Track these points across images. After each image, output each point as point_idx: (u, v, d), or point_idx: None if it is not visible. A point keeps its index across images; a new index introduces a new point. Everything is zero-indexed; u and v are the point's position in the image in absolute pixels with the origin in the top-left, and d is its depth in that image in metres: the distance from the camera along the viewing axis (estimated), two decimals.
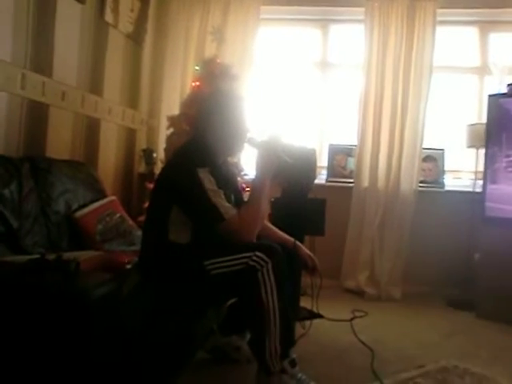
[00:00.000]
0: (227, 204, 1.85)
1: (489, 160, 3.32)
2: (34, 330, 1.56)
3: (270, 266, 1.74)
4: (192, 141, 2.07)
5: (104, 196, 2.81)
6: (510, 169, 3.22)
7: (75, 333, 1.54)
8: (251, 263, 1.75)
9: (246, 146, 2.04)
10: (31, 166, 2.33)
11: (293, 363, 1.81)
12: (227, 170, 2.16)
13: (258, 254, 1.76)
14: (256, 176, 1.91)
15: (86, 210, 2.55)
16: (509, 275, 3.08)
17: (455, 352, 2.48)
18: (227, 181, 2.05)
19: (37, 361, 1.56)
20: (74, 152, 3.02)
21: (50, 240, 2.27)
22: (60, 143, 2.89)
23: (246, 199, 2.14)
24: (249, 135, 2.02)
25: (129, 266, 2.15)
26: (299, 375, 1.82)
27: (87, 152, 3.18)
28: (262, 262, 1.75)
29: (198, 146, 1.99)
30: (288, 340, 1.82)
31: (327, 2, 3.99)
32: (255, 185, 1.91)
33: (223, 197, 1.85)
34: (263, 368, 1.81)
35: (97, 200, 2.69)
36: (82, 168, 2.83)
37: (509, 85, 3.31)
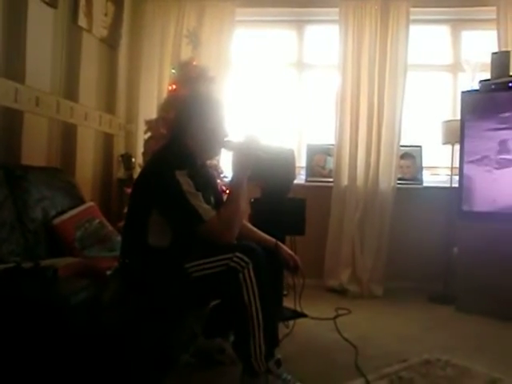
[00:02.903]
0: (206, 206, 1.85)
1: (464, 156, 3.38)
2: (12, 338, 1.53)
3: (250, 266, 1.75)
4: (170, 144, 2.07)
5: (82, 202, 2.77)
6: (484, 163, 3.28)
7: (54, 340, 1.52)
8: (232, 264, 1.75)
9: (223, 149, 2.05)
10: (6, 173, 2.28)
11: (278, 363, 1.82)
12: (206, 172, 2.16)
13: (238, 254, 1.76)
14: (232, 177, 1.92)
15: (64, 217, 2.51)
16: (486, 268, 3.14)
17: (437, 345, 2.51)
18: (206, 183, 2.06)
19: (15, 370, 1.53)
20: (50, 158, 2.98)
21: (28, 248, 2.22)
22: (36, 150, 2.85)
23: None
24: (225, 139, 2.03)
25: (109, 272, 2.13)
26: (284, 375, 1.82)
27: (64, 158, 3.14)
28: (242, 263, 1.75)
29: (176, 148, 1.99)
30: (272, 340, 1.83)
31: (302, 3, 4.02)
32: (232, 186, 1.92)
33: (202, 199, 1.84)
34: (248, 369, 1.80)
35: (75, 206, 2.65)
36: (59, 174, 2.79)
37: (481, 81, 3.38)
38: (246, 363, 1.81)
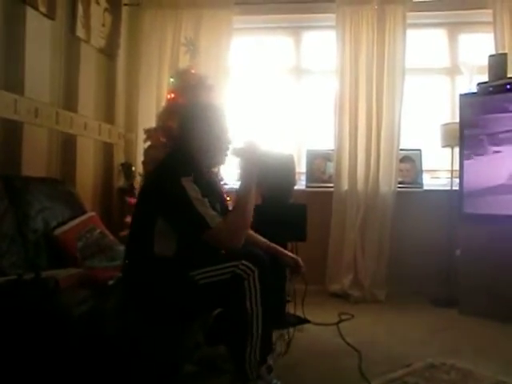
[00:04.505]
0: (212, 212, 1.84)
1: (464, 158, 3.38)
2: (15, 349, 1.53)
3: (256, 274, 1.74)
4: (174, 152, 2.08)
5: (83, 212, 2.77)
6: (484, 165, 3.28)
7: (57, 351, 1.51)
8: (238, 271, 1.75)
9: (230, 156, 2.05)
10: (6, 185, 2.29)
11: (269, 369, 1.81)
12: (212, 179, 2.16)
13: (244, 262, 1.76)
14: (241, 183, 1.91)
15: (65, 228, 2.51)
16: (489, 270, 3.13)
17: (440, 349, 2.50)
18: (212, 190, 2.05)
19: (19, 380, 1.52)
20: (50, 169, 2.99)
21: (29, 260, 2.22)
22: (36, 161, 2.85)
23: (229, 208, 2.14)
24: (232, 145, 2.04)
25: (111, 282, 2.12)
26: (274, 381, 1.82)
27: (64, 169, 3.14)
28: (248, 271, 1.75)
29: (182, 156, 1.99)
30: (267, 347, 1.83)
31: (299, 9, 4.04)
32: (241, 192, 1.90)
33: (208, 205, 1.84)
34: (240, 374, 1.80)
35: (76, 217, 2.65)
36: (60, 185, 2.80)
37: (479, 84, 3.38)
38: (238, 368, 1.81)
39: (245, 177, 1.90)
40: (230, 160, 2.07)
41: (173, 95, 3.32)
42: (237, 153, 1.97)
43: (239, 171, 1.92)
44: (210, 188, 2.03)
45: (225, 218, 1.86)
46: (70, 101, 3.21)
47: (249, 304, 1.74)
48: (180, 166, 1.91)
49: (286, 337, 2.43)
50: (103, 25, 3.60)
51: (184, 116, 2.11)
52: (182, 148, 2.02)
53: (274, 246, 2.20)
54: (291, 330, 2.56)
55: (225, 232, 1.80)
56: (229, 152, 2.03)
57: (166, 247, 1.86)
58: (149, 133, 3.31)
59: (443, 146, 3.75)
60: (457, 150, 3.53)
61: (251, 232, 2.22)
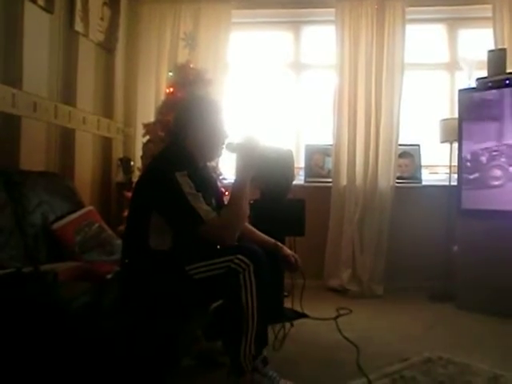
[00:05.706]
0: (206, 207, 1.84)
1: (462, 153, 3.39)
2: (13, 343, 1.53)
3: (251, 269, 1.75)
4: (170, 146, 2.07)
5: (81, 206, 2.77)
6: (482, 160, 3.29)
7: (55, 344, 1.52)
8: (233, 266, 1.75)
9: (227, 150, 2.04)
10: (4, 179, 2.28)
11: (264, 361, 1.82)
12: (207, 174, 2.15)
13: (239, 257, 1.76)
14: (236, 178, 1.91)
15: (63, 222, 2.51)
16: (486, 266, 3.14)
17: (438, 343, 2.51)
18: (207, 185, 2.05)
19: (17, 374, 1.53)
20: (48, 163, 2.99)
21: (28, 253, 2.22)
22: (34, 155, 2.85)
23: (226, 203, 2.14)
24: (226, 140, 2.03)
25: (109, 276, 2.12)
26: (270, 373, 1.83)
27: (63, 163, 3.14)
28: (243, 265, 1.75)
29: (176, 150, 1.99)
30: (262, 341, 1.85)
31: (298, 4, 4.03)
32: (235, 187, 1.90)
33: (202, 200, 1.83)
34: (235, 367, 1.81)
35: (74, 211, 2.65)
36: (58, 179, 2.79)
37: (478, 79, 3.38)
38: (234, 361, 1.82)
39: (240, 172, 1.90)
40: (228, 155, 2.06)
41: (171, 89, 3.31)
42: (234, 148, 1.96)
43: (236, 165, 1.92)
44: (206, 183, 2.03)
45: (219, 213, 1.86)
46: (68, 95, 3.20)
47: (244, 298, 1.75)
48: (175, 160, 1.91)
49: (281, 331, 2.43)
50: (102, 19, 3.59)
51: (179, 110, 2.11)
52: (177, 142, 2.02)
53: (276, 242, 2.21)
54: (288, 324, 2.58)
55: (218, 227, 1.81)
56: (226, 146, 2.02)
57: (161, 241, 1.86)
58: (147, 127, 3.31)
59: (442, 142, 3.75)
60: (455, 145, 3.53)
61: (250, 227, 2.23)
